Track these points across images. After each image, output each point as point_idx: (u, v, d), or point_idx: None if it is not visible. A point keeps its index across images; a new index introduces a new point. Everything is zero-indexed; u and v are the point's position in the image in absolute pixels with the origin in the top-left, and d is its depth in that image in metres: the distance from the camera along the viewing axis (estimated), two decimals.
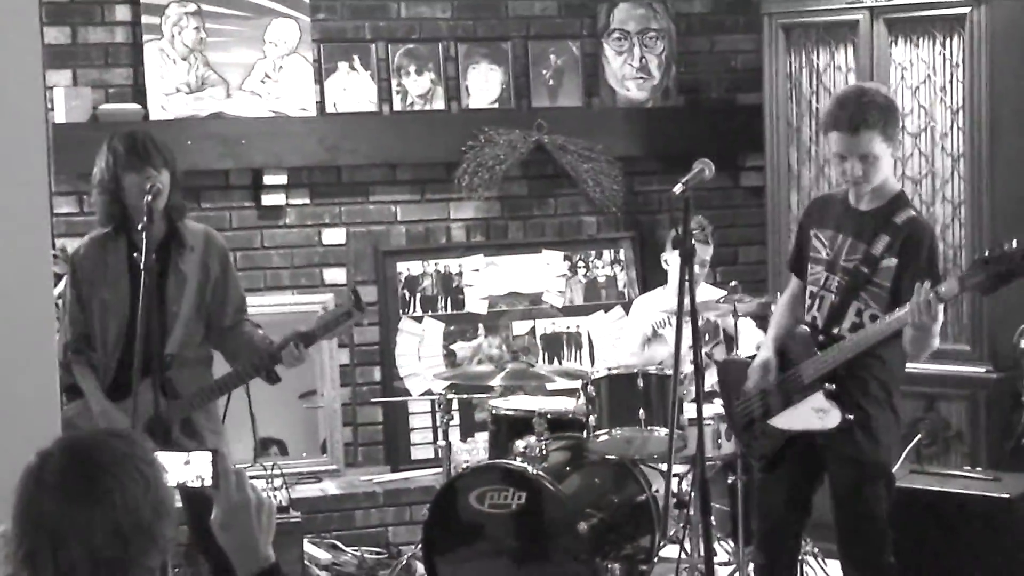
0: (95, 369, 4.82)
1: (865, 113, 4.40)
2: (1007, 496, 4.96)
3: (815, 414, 4.48)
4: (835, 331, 4.51)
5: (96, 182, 4.78)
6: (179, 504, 3.12)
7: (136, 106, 6.14)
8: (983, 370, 5.89)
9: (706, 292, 5.96)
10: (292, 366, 4.81)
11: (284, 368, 4.83)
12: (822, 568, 5.64)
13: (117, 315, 4.74)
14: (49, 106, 5.72)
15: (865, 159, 4.38)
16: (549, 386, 6.13)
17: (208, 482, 2.45)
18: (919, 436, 5.68)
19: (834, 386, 4.46)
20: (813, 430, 4.53)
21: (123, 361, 4.71)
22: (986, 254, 4.20)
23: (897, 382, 4.56)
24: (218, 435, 4.87)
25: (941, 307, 4.22)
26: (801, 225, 4.82)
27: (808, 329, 4.57)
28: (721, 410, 5.36)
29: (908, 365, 5.97)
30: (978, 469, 5.49)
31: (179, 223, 4.83)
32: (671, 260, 5.98)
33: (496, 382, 5.77)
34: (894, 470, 5.09)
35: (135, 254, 4.66)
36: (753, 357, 4.82)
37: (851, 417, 4.44)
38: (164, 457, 2.34)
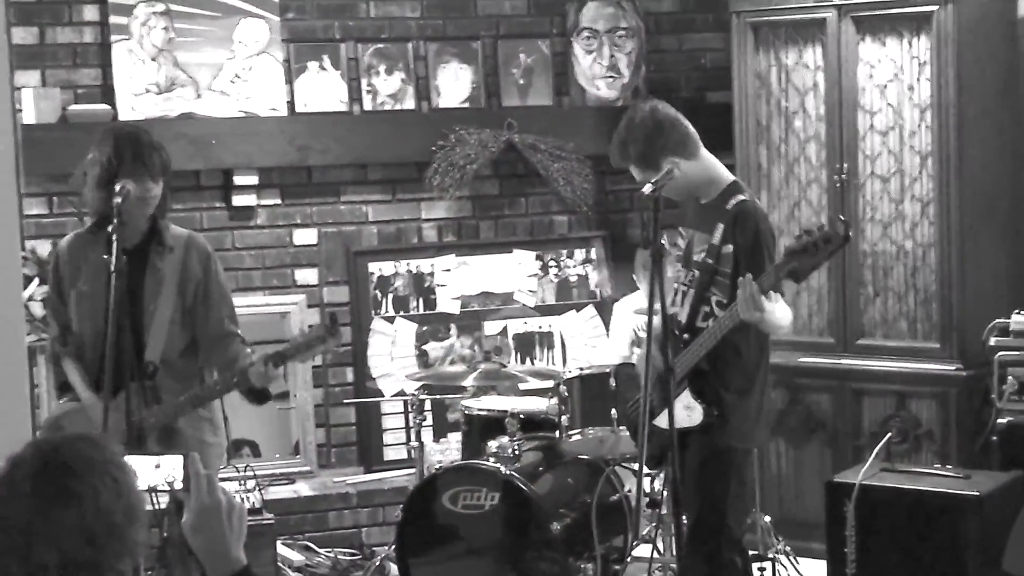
0: (81, 360, 4.75)
1: (614, 156, 4.69)
2: (977, 494, 4.97)
3: (685, 411, 4.46)
4: (698, 324, 4.51)
5: (93, 176, 4.57)
6: (151, 507, 3.11)
7: (105, 107, 6.12)
8: (953, 368, 5.91)
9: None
10: (261, 385, 4.55)
11: (254, 384, 4.54)
12: (794, 566, 5.67)
13: (94, 312, 4.67)
14: (18, 107, 5.68)
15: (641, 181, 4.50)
16: (521, 386, 6.13)
17: (178, 485, 2.45)
18: (890, 434, 5.70)
19: (697, 385, 4.47)
20: (685, 427, 4.50)
21: (103, 360, 4.61)
22: (793, 242, 4.18)
23: (754, 370, 4.53)
24: (206, 437, 4.66)
25: (775, 296, 4.21)
26: None
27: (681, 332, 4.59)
28: None
29: (881, 363, 6.05)
30: (948, 467, 5.51)
31: (160, 222, 4.68)
32: (641, 275, 6.02)
33: (469, 382, 5.76)
34: (865, 473, 5.12)
35: (104, 255, 4.59)
36: None
37: (716, 413, 4.46)
38: (135, 460, 2.34)
